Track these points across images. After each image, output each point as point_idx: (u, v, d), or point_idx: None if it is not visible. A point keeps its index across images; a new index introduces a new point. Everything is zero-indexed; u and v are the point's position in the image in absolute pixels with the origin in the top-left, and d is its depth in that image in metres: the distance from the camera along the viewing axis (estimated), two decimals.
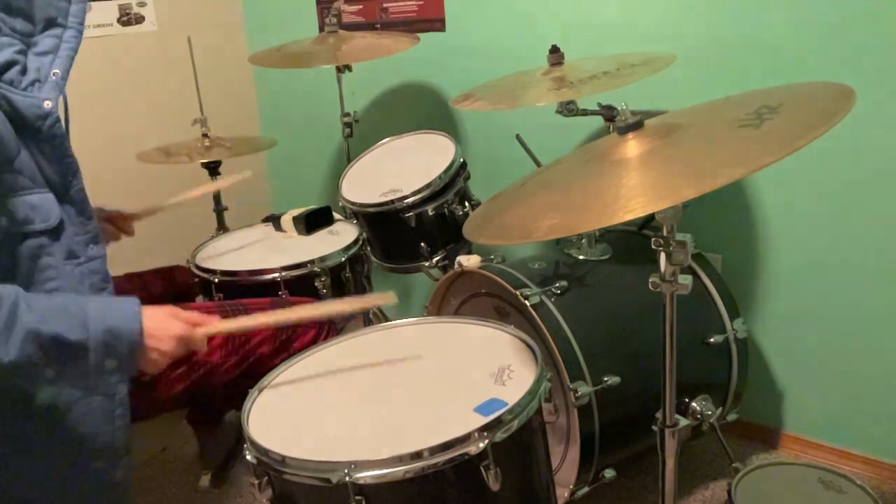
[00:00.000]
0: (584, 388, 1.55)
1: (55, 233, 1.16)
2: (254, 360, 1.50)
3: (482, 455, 1.04)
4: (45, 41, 1.20)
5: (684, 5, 1.88)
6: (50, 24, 1.20)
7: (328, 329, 1.60)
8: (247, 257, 1.97)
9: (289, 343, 1.54)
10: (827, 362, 1.88)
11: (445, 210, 2.00)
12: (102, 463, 1.17)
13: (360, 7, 2.57)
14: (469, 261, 1.75)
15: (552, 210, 1.10)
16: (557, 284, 1.65)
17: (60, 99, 1.20)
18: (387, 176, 2.10)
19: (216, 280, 1.84)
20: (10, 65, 1.14)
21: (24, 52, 1.17)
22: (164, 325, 1.12)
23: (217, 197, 2.39)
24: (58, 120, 1.19)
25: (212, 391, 1.51)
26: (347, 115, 2.37)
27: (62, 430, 1.11)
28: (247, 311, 1.53)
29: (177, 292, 1.84)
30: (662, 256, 1.11)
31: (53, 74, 1.19)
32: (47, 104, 1.17)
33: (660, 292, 1.14)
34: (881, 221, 1.72)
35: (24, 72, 1.17)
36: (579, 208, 1.07)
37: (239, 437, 1.90)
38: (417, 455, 1.02)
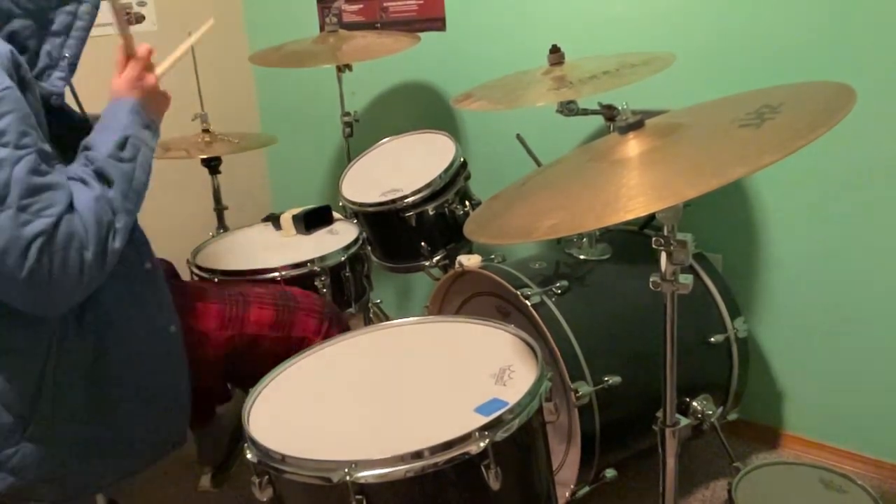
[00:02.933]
0: (585, 388, 1.55)
1: None
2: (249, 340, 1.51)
3: (483, 454, 1.04)
4: (60, 18, 1.19)
5: (684, 5, 1.88)
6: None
7: (329, 320, 1.60)
8: (247, 257, 1.97)
9: (290, 329, 1.55)
10: (827, 362, 1.88)
11: (446, 210, 2.00)
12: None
13: (361, 6, 2.57)
14: (470, 260, 1.75)
15: (553, 209, 1.10)
16: (558, 284, 1.65)
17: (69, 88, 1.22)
18: (387, 175, 2.10)
19: (216, 280, 1.84)
20: (20, 52, 1.14)
21: (36, 34, 1.17)
22: (133, 78, 1.30)
23: (217, 196, 2.39)
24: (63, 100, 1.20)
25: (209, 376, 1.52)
26: (347, 114, 2.37)
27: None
28: (247, 300, 1.53)
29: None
30: (663, 256, 1.11)
31: (63, 59, 1.19)
32: (55, 95, 1.18)
33: (660, 292, 1.14)
34: (882, 221, 1.72)
35: (34, 59, 1.17)
36: (580, 208, 1.07)
37: (235, 432, 1.91)
38: (418, 454, 1.02)
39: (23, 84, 1.10)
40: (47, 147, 1.11)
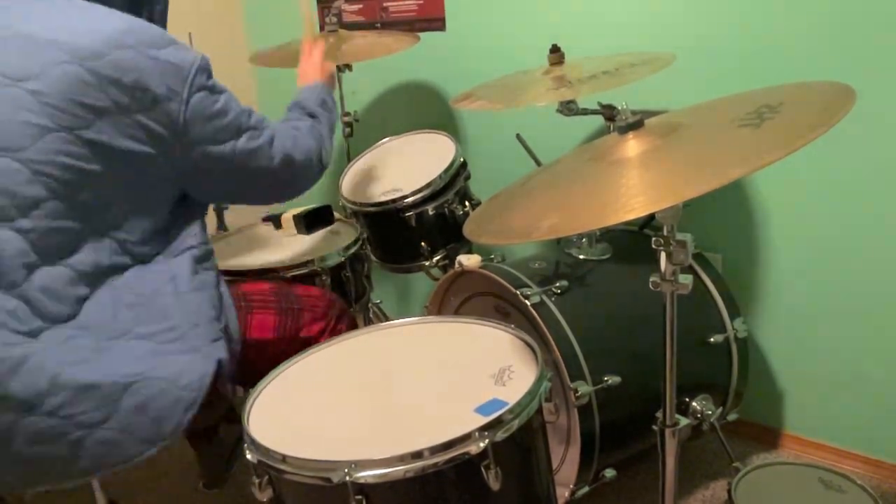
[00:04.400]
0: (585, 388, 1.55)
1: None
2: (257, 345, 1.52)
3: (483, 455, 1.04)
4: (146, 6, 1.31)
5: (684, 5, 1.88)
6: None
7: (336, 318, 1.60)
8: (247, 257, 1.97)
9: (297, 332, 1.55)
10: (827, 362, 1.88)
11: (446, 209, 2.00)
12: None
13: (361, 6, 2.57)
14: (469, 260, 1.75)
15: (552, 209, 1.10)
16: (558, 284, 1.65)
17: None
18: (387, 175, 2.10)
19: None
20: None
21: (161, 19, 1.35)
22: (316, 69, 1.77)
23: None
24: None
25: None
26: (347, 114, 2.37)
27: None
28: (250, 305, 1.53)
29: None
30: (663, 256, 1.11)
31: None
32: None
33: (660, 292, 1.14)
34: (882, 221, 1.72)
35: None
36: (580, 208, 1.07)
37: (235, 445, 1.90)
38: (418, 454, 1.02)
39: None
40: None
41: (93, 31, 1.17)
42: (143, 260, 1.28)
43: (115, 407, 1.16)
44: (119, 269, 1.25)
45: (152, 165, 1.24)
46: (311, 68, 1.76)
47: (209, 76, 1.28)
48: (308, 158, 1.48)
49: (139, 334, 1.22)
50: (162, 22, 1.37)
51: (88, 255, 1.20)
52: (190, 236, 1.34)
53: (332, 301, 1.65)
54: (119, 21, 1.20)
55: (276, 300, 1.56)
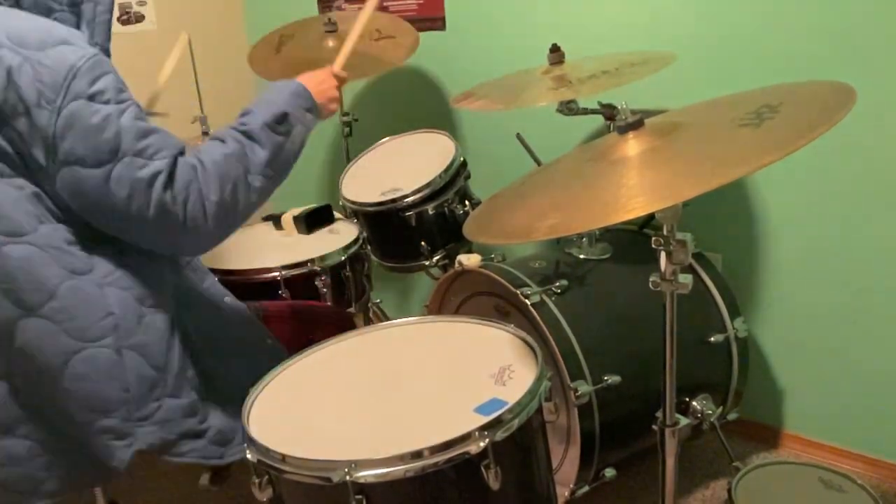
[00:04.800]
0: (585, 388, 1.55)
1: None
2: None
3: (483, 454, 1.04)
4: (86, 7, 1.21)
5: (684, 4, 1.88)
6: None
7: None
8: (247, 257, 1.97)
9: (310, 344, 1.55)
10: (827, 362, 1.88)
11: (446, 209, 2.00)
12: None
13: (361, 6, 2.56)
14: (469, 260, 1.75)
15: (552, 209, 1.10)
16: (558, 283, 1.65)
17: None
18: (387, 175, 2.10)
19: (216, 279, 1.83)
20: None
21: (77, 26, 1.20)
22: (316, 78, 1.41)
23: None
24: None
25: None
26: (347, 114, 2.37)
27: None
28: (266, 313, 1.53)
29: None
30: (663, 255, 1.11)
31: (95, 45, 1.20)
32: None
33: (660, 291, 1.14)
34: (881, 221, 1.72)
35: None
36: (580, 207, 1.07)
37: None
38: (418, 454, 1.02)
39: None
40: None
41: None
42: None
43: None
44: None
45: (40, 176, 1.12)
46: (307, 77, 1.42)
47: (95, 81, 1.11)
48: (196, 206, 1.17)
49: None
50: (104, 24, 1.25)
51: None
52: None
53: (345, 318, 1.65)
54: (8, 21, 1.12)
55: (292, 313, 1.55)
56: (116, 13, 2.54)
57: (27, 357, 1.15)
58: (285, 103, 1.31)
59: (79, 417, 1.19)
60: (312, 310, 1.60)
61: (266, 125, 1.27)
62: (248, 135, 1.26)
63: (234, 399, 1.31)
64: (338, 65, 1.52)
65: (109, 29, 1.26)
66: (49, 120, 1.08)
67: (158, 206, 1.14)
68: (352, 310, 2.00)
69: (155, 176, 1.13)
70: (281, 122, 1.29)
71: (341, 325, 1.60)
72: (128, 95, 1.15)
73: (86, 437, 1.20)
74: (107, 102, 1.11)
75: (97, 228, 1.19)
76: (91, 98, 1.10)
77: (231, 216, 1.22)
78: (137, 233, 1.18)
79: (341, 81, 1.49)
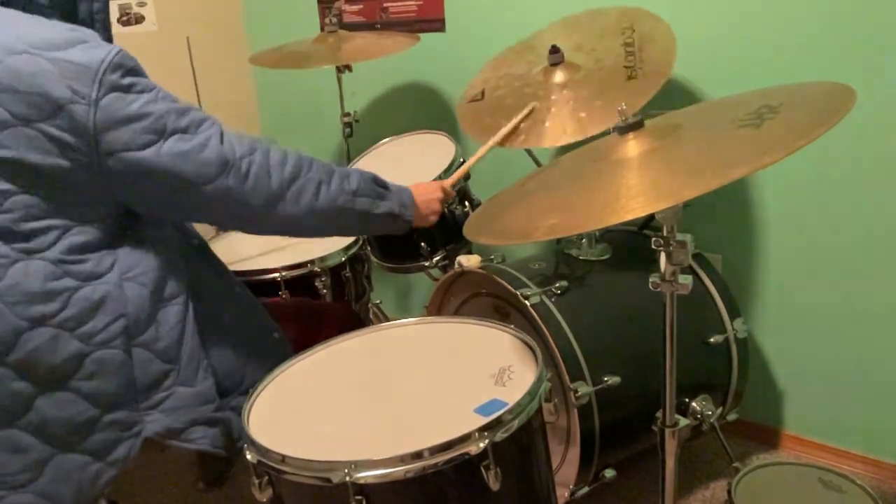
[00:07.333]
0: (585, 388, 1.55)
1: None
2: None
3: (482, 455, 1.04)
4: (82, 6, 1.22)
5: (684, 5, 1.88)
6: None
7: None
8: (247, 257, 1.97)
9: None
10: (827, 362, 1.88)
11: (446, 210, 1.99)
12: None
13: (361, 7, 2.57)
14: (469, 261, 1.75)
15: (552, 210, 1.10)
16: (557, 284, 1.65)
17: None
18: (387, 175, 2.09)
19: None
20: None
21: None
22: (425, 190, 1.55)
23: None
24: None
25: None
26: (347, 115, 2.37)
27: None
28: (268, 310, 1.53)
29: None
30: (662, 256, 1.11)
31: None
32: None
33: (660, 292, 1.14)
34: (881, 221, 1.72)
35: None
36: (580, 208, 1.07)
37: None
38: (418, 455, 1.02)
39: None
40: None
41: None
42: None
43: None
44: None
45: (73, 179, 1.13)
46: (422, 186, 1.55)
47: (126, 74, 1.14)
48: (280, 180, 1.25)
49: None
50: (101, 22, 1.26)
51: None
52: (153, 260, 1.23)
53: (351, 316, 1.64)
54: (16, 25, 1.13)
55: (297, 313, 1.55)
56: (116, 14, 2.54)
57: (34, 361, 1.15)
58: (393, 186, 1.45)
59: (84, 415, 1.19)
60: (316, 306, 1.60)
61: (372, 178, 1.40)
62: (348, 171, 1.36)
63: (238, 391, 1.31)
64: (449, 182, 1.67)
65: (109, 29, 1.26)
66: (87, 114, 1.10)
67: (219, 159, 1.19)
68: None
69: (208, 139, 1.19)
70: (382, 185, 1.42)
71: (348, 321, 1.60)
72: (155, 83, 1.18)
73: (90, 435, 1.20)
74: (141, 92, 1.14)
75: (116, 225, 1.20)
76: (126, 89, 1.13)
77: (284, 203, 1.26)
78: (194, 203, 1.21)
79: (447, 196, 1.62)
